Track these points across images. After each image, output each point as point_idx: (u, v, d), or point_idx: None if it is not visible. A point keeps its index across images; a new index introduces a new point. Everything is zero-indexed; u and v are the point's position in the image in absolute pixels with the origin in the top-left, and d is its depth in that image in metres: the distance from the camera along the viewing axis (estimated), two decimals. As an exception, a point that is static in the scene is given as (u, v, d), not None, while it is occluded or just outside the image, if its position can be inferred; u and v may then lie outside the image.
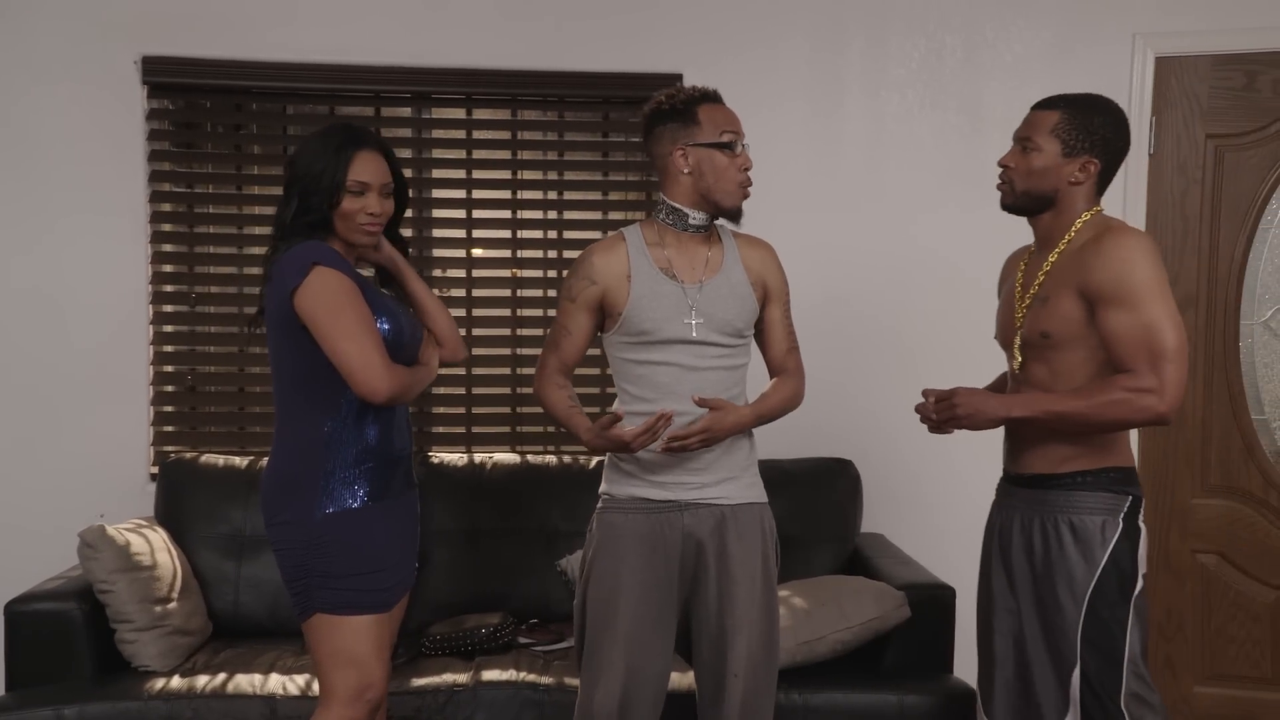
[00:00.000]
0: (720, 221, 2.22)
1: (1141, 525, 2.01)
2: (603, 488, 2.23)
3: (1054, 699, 2.01)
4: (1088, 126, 2.00)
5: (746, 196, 2.16)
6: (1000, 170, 2.08)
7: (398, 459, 2.12)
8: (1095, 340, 1.96)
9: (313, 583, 2.01)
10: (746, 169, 2.15)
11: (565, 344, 2.21)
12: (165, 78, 3.19)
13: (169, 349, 3.31)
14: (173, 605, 2.74)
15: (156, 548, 2.80)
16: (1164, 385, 1.88)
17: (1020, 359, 2.07)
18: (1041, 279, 2.04)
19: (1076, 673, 1.97)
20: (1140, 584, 1.99)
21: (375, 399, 1.96)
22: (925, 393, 2.09)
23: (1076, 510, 2.00)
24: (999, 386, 2.27)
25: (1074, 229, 2.02)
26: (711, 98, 2.17)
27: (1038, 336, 2.02)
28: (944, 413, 2.03)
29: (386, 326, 2.04)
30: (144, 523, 2.92)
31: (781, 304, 2.27)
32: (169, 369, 3.31)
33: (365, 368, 1.92)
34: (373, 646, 2.04)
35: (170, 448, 3.26)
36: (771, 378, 2.28)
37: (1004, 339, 2.17)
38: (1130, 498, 2.01)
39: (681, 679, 2.38)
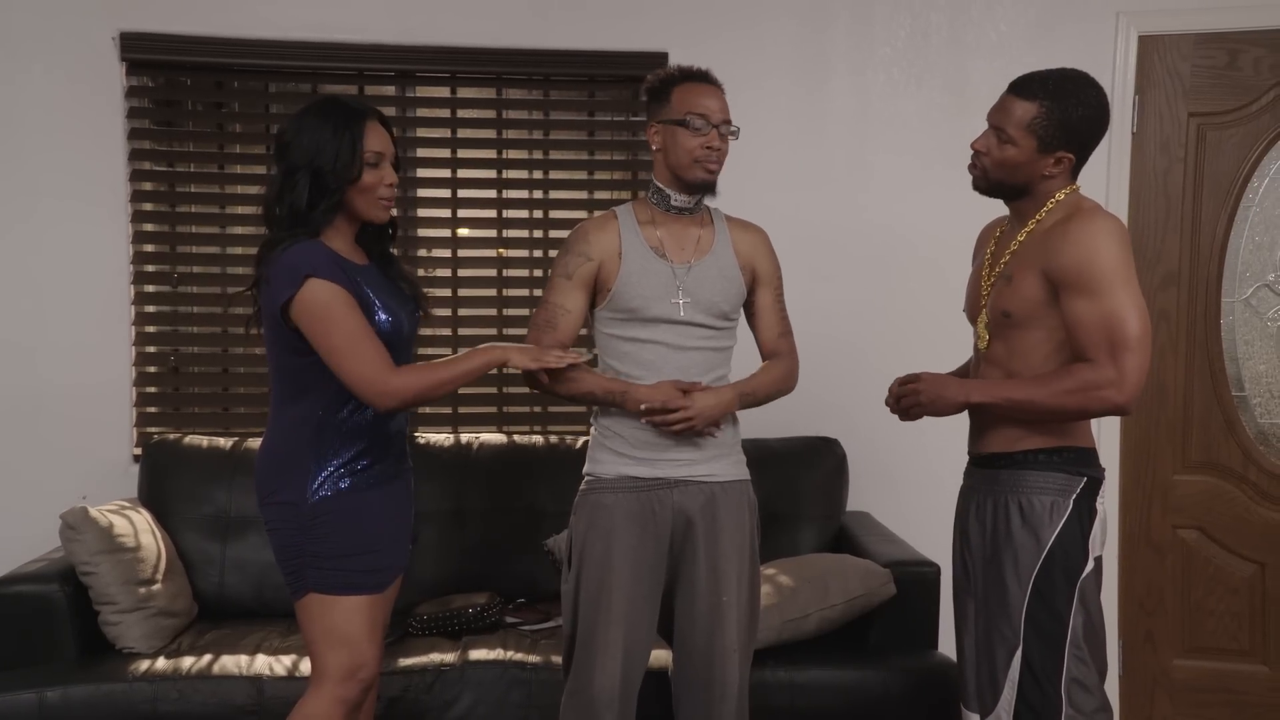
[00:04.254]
0: (715, 205, 2.24)
1: (1099, 507, 1.98)
2: (587, 468, 2.22)
3: (998, 681, 1.98)
4: (1065, 123, 1.93)
5: (710, 173, 2.14)
6: (973, 153, 2.03)
7: (392, 439, 2.10)
8: (1054, 321, 1.93)
9: (306, 563, 1.99)
10: (709, 146, 2.12)
11: (563, 323, 2.17)
12: (144, 54, 3.15)
13: (151, 329, 3.27)
14: (157, 587, 2.72)
15: (140, 529, 2.79)
16: (1123, 376, 1.85)
17: (986, 336, 2.05)
18: (1008, 258, 2.01)
19: (1018, 655, 1.94)
20: (1090, 566, 1.95)
21: (384, 408, 1.95)
22: (896, 381, 2.09)
23: (1025, 491, 1.97)
24: (965, 372, 2.25)
25: (1046, 209, 1.98)
26: (693, 76, 2.18)
27: (999, 315, 2.00)
28: (908, 399, 2.03)
29: (387, 318, 2.01)
30: (127, 504, 2.90)
31: (772, 288, 2.28)
32: (151, 349, 3.29)
33: (369, 382, 1.91)
34: (365, 627, 2.02)
35: (153, 429, 3.24)
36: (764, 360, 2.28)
37: (971, 313, 2.15)
38: (1085, 479, 1.97)
39: (657, 656, 2.38)
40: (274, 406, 2.05)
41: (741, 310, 2.28)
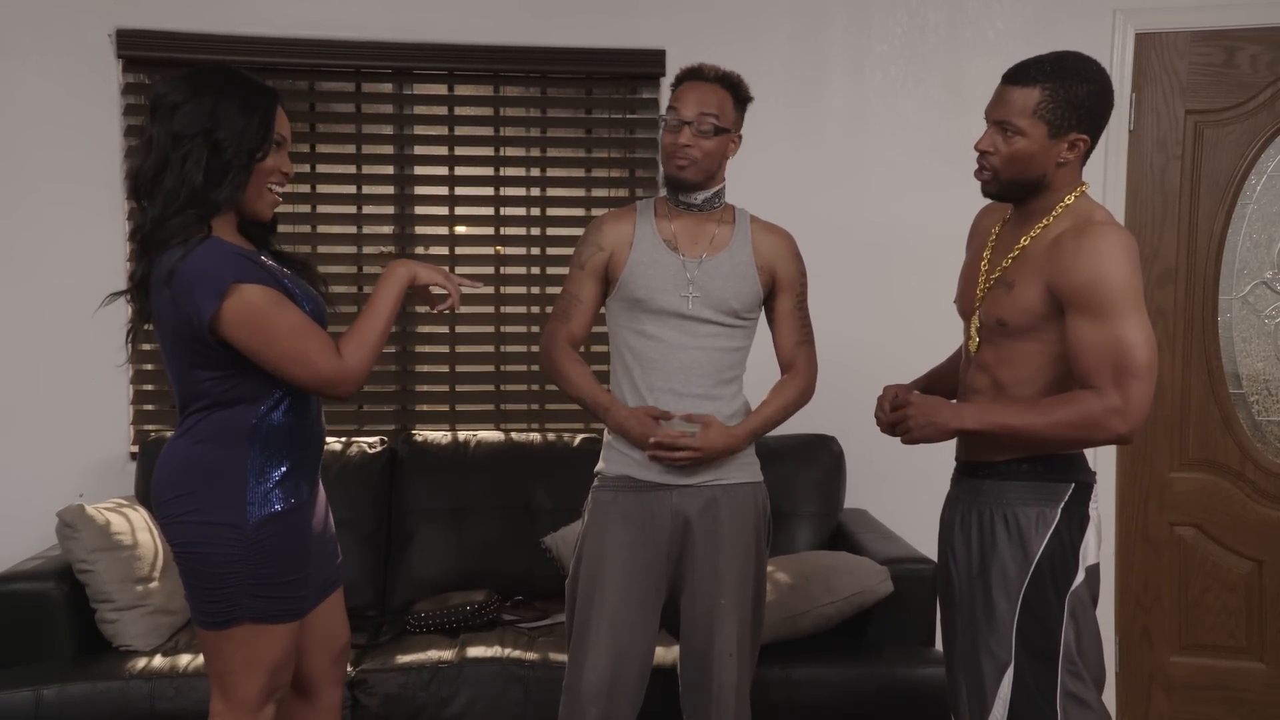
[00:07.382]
0: (741, 205, 2.25)
1: (1092, 513, 1.90)
2: (598, 466, 2.24)
3: (986, 699, 1.90)
4: (1072, 101, 1.81)
5: (679, 169, 2.14)
6: (978, 156, 1.90)
7: (319, 449, 1.96)
8: (1051, 334, 1.84)
9: (243, 590, 1.79)
10: (678, 142, 2.12)
11: (575, 313, 2.22)
12: (140, 51, 3.14)
13: (147, 326, 3.26)
14: (154, 585, 2.72)
15: (137, 527, 2.78)
16: (1128, 404, 1.76)
17: (977, 340, 1.96)
18: (1008, 263, 1.90)
19: (1009, 673, 1.86)
20: (1081, 577, 1.87)
21: (348, 395, 1.83)
22: (885, 390, 2.00)
23: (1010, 503, 1.89)
24: (942, 374, 2.19)
25: (1054, 213, 1.87)
26: (685, 74, 2.20)
27: (994, 322, 1.90)
28: (898, 421, 1.91)
29: (309, 307, 1.84)
30: (124, 502, 2.90)
31: (792, 295, 2.24)
32: (148, 347, 3.27)
33: (329, 379, 1.77)
34: (291, 650, 1.89)
35: (151, 426, 3.23)
36: (781, 370, 2.27)
37: (963, 309, 2.04)
38: (1072, 485, 1.88)
39: (665, 654, 2.39)
40: (193, 411, 1.83)
41: (763, 315, 2.25)
